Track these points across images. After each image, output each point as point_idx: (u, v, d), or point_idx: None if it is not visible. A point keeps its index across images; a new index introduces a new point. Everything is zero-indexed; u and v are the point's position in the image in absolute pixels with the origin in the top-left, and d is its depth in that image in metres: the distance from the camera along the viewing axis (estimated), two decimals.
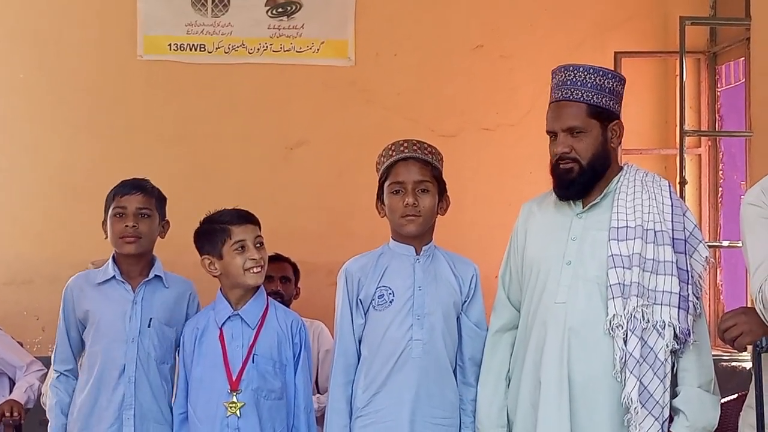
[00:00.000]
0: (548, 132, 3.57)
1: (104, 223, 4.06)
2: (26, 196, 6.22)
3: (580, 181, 3.50)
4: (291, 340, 3.85)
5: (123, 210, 3.99)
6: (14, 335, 5.58)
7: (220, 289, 3.87)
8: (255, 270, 3.79)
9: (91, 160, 6.09)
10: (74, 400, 4.05)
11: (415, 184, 3.69)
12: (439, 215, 3.79)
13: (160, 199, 4.11)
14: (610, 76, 3.57)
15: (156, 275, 4.06)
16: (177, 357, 4.12)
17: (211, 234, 3.84)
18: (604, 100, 3.53)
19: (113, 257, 4.08)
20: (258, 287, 3.86)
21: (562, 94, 3.53)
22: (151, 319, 4.00)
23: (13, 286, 6.04)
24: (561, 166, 3.51)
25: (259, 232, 3.84)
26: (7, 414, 5.07)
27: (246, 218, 3.84)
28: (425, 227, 3.74)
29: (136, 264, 4.05)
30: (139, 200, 4.01)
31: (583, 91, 3.50)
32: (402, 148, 3.75)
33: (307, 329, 3.96)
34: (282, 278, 5.34)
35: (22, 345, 5.59)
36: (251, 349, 3.77)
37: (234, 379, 3.73)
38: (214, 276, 3.87)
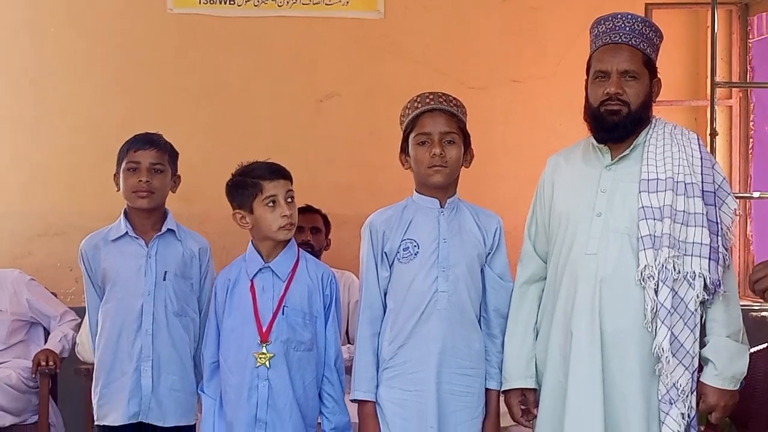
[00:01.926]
0: (599, 72, 3.51)
1: (116, 176, 4.10)
2: (57, 148, 6.23)
3: (625, 124, 3.49)
4: (321, 292, 3.86)
5: (136, 165, 4.03)
6: (48, 286, 5.65)
7: (251, 241, 3.87)
8: (286, 226, 3.79)
9: (121, 114, 6.10)
10: (95, 354, 4.13)
11: (441, 135, 3.68)
12: (463, 167, 3.78)
13: (172, 154, 4.15)
14: (655, 29, 3.57)
15: (169, 228, 4.10)
16: (198, 308, 4.17)
17: (243, 188, 3.80)
18: (653, 53, 3.54)
19: (125, 212, 4.12)
20: (289, 239, 3.86)
21: (619, 38, 3.49)
22: (165, 272, 4.06)
23: (46, 237, 6.08)
24: (608, 107, 3.48)
25: (290, 186, 3.81)
26: (43, 363, 5.15)
27: (278, 173, 3.80)
28: (451, 178, 3.73)
29: (148, 218, 4.09)
30: (152, 155, 4.05)
31: (639, 40, 3.50)
32: (428, 100, 3.74)
33: (337, 281, 3.97)
34: (312, 229, 5.36)
35: (56, 296, 5.66)
36: (281, 301, 3.77)
37: (264, 330, 3.75)
38: (245, 229, 3.87)
